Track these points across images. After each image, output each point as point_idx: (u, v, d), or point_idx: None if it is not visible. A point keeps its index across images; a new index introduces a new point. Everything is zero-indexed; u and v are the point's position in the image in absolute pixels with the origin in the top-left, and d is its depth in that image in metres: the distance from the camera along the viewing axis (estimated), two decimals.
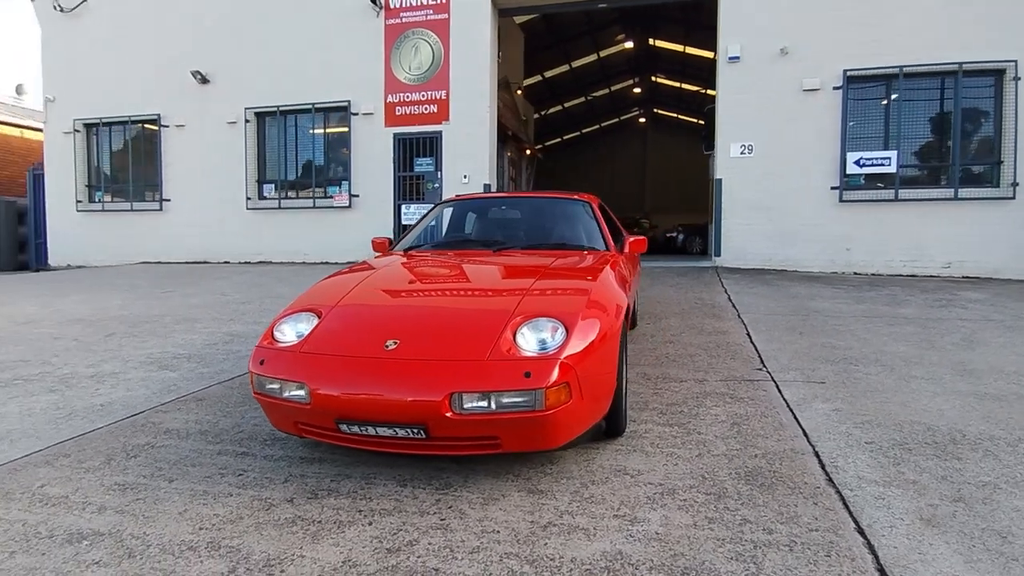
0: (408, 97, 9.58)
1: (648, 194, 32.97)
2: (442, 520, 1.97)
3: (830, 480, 2.21)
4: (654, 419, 2.88)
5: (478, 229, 3.89)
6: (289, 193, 10.52)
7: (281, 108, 10.24)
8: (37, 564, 1.73)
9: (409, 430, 2.02)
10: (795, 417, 2.88)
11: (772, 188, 8.22)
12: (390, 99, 9.67)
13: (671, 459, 2.42)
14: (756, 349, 4.23)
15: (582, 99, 28.65)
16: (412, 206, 9.73)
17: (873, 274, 8.11)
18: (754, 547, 1.77)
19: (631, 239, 3.60)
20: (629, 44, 20.34)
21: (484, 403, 1.98)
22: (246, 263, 10.49)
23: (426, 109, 9.52)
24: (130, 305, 6.39)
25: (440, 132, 9.49)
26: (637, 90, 27.30)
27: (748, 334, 4.70)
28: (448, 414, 1.97)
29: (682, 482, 2.22)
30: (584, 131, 34.75)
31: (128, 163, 11.29)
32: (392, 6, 9.55)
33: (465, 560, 1.73)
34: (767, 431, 2.70)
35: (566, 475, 2.29)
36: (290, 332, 2.38)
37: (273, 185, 10.57)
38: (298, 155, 10.47)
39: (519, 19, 14.02)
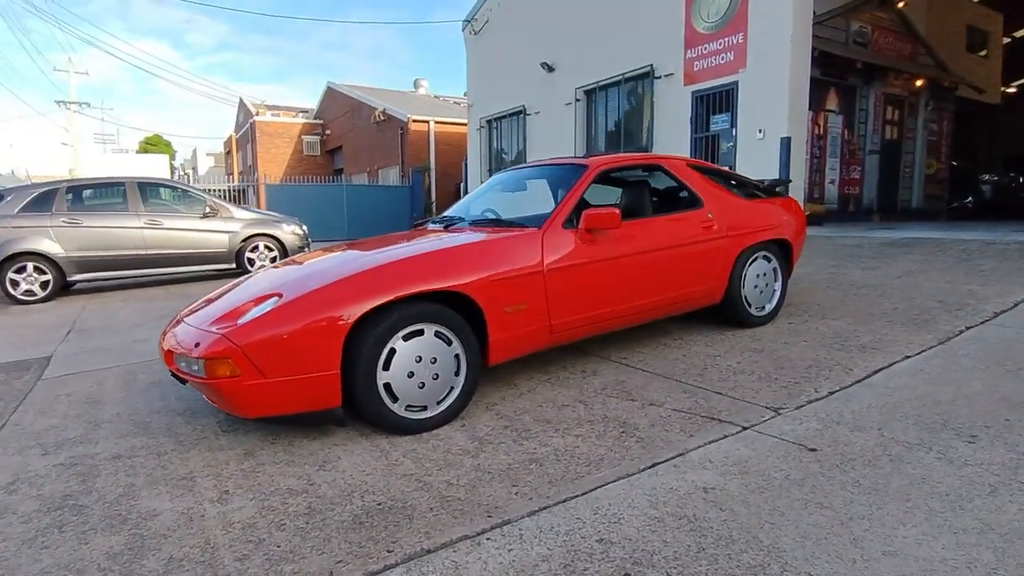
0: (705, 48, 8.64)
1: None
2: (177, 458, 2.47)
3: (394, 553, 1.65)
4: (474, 432, 2.48)
5: (473, 203, 3.70)
6: None
7: (600, 83, 10.77)
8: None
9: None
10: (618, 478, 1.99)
11: None
12: (689, 55, 8.93)
13: (387, 467, 2.18)
14: (860, 382, 2.69)
15: None
16: None
17: None
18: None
19: (592, 212, 2.87)
20: None
21: (183, 364, 2.36)
22: None
23: (722, 59, 8.41)
24: None
25: (736, 83, 8.25)
26: None
27: (905, 357, 2.93)
28: (173, 368, 2.44)
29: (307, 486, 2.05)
30: None
31: (510, 148, 13.94)
32: None
33: (107, 472, 2.24)
34: (552, 474, 2.02)
35: (294, 451, 2.39)
36: None
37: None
38: (618, 126, 10.82)
39: None
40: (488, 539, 1.69)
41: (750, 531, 1.63)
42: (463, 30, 15.24)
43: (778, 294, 3.81)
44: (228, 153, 41.16)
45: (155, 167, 17.81)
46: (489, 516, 1.81)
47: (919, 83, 10.43)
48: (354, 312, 2.29)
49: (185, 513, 1.95)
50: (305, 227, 8.69)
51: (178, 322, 2.67)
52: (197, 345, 2.28)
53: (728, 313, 3.64)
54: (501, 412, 2.67)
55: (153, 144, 54.70)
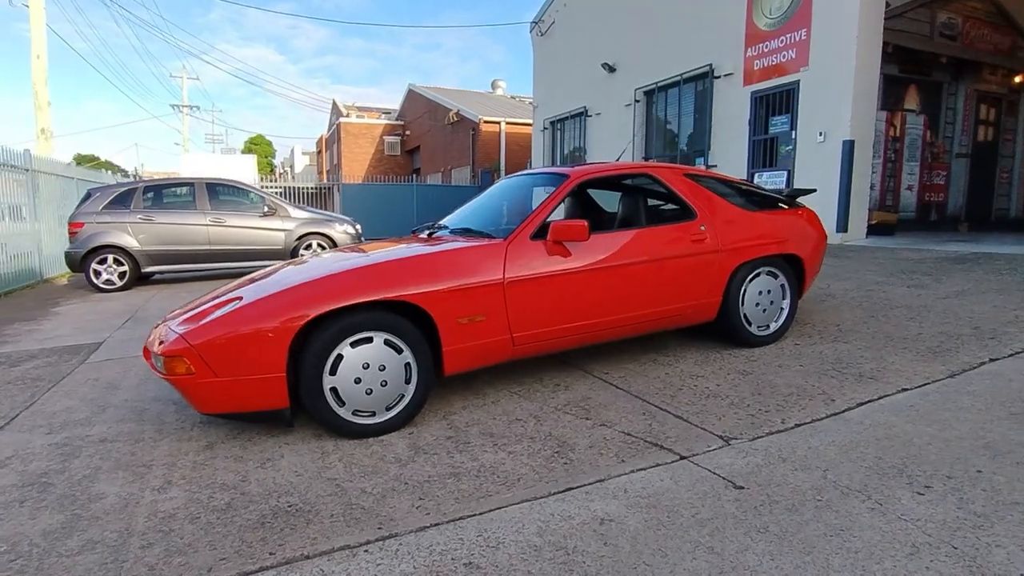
0: (766, 47, 8.17)
1: None
2: (150, 445, 2.69)
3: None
4: (415, 441, 2.51)
5: (469, 211, 3.68)
6: None
7: (659, 84, 10.44)
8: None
9: None
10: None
11: None
12: (749, 53, 8.47)
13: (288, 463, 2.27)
14: (836, 415, 2.48)
15: None
16: (765, 174, 8.36)
17: None
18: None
19: (559, 224, 2.82)
20: None
21: (153, 359, 2.55)
22: None
23: (784, 56, 7.90)
24: None
25: (797, 82, 7.73)
26: None
27: (901, 390, 2.66)
28: (149, 363, 2.65)
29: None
30: None
31: (571, 149, 13.83)
32: None
33: (87, 454, 2.47)
34: (463, 490, 2.02)
35: (249, 447, 2.53)
36: None
37: (655, 159, 10.97)
38: (676, 128, 10.46)
39: None
40: (366, 551, 1.72)
41: (620, 571, 1.55)
42: (531, 31, 15.27)
43: (786, 312, 3.56)
44: (319, 152, 43.64)
45: (242, 166, 19.10)
46: (379, 528, 1.84)
47: (1019, 79, 9.30)
48: (295, 320, 2.39)
49: (125, 499, 2.12)
50: (359, 226, 9.05)
51: (163, 321, 2.89)
52: (161, 343, 2.46)
53: (725, 331, 3.45)
54: (454, 422, 2.69)
55: (256, 144, 58.79)
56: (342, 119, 30.58)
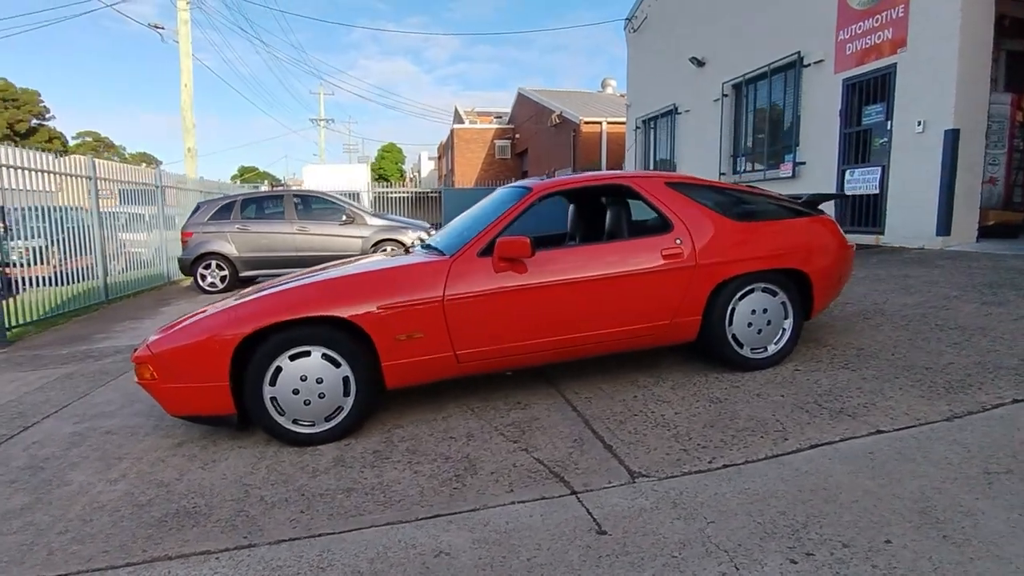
0: (859, 28, 7.27)
1: None
2: (138, 440, 3.05)
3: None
4: (344, 453, 2.61)
5: (454, 225, 3.65)
6: (756, 165, 9.92)
7: (747, 76, 9.69)
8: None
9: None
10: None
11: None
12: (841, 36, 7.59)
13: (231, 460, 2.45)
14: (775, 457, 2.21)
15: None
16: (856, 171, 7.46)
17: None
18: None
19: (503, 241, 2.77)
20: None
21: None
22: None
23: (878, 37, 6.99)
24: None
25: (893, 66, 6.80)
26: None
27: (875, 432, 2.29)
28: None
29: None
30: None
31: (661, 148, 13.28)
32: None
33: (88, 444, 2.87)
34: (344, 507, 2.10)
35: (207, 448, 2.79)
36: None
37: (743, 157, 10.22)
38: (764, 123, 9.64)
39: None
40: (216, 559, 1.84)
41: None
42: (624, 28, 14.87)
43: (788, 333, 3.19)
44: (440, 158, 45.83)
45: (355, 175, 20.65)
46: (245, 537, 1.96)
47: None
48: (234, 335, 2.58)
49: (82, 487, 2.43)
50: (432, 231, 9.42)
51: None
52: (135, 351, 2.79)
53: (712, 353, 3.17)
54: (392, 436, 2.75)
55: (388, 151, 63.01)
56: (455, 126, 31.84)
